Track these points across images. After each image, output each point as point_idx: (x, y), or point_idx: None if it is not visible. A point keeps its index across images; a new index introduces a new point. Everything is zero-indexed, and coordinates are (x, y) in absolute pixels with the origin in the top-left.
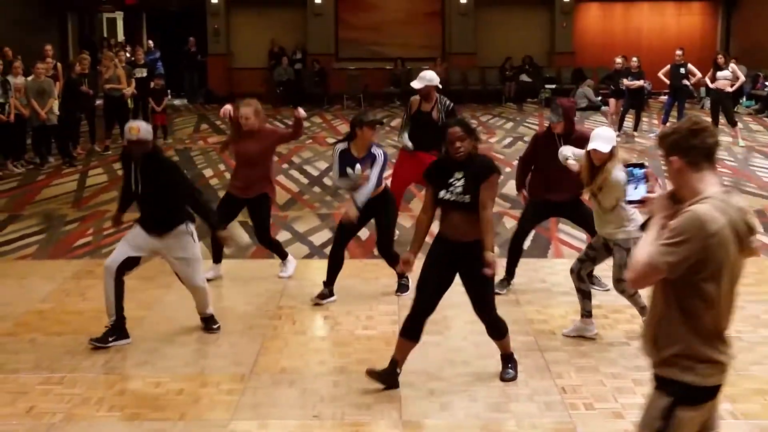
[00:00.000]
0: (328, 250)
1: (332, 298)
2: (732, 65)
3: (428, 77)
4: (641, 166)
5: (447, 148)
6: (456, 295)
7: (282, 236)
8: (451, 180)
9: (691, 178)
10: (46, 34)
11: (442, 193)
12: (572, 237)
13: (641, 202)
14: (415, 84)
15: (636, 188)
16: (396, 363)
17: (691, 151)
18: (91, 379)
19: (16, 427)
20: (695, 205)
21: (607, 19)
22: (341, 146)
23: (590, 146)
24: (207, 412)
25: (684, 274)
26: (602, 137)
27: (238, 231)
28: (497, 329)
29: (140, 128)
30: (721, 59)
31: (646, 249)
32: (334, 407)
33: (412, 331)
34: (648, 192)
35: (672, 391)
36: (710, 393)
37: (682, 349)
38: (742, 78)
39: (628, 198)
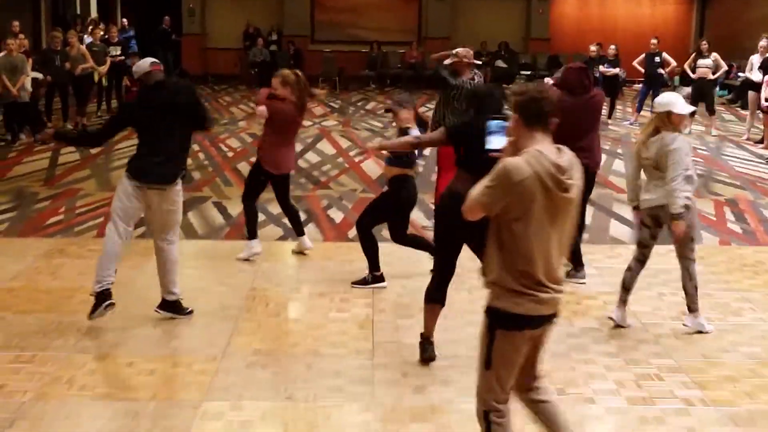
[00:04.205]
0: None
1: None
2: (714, 54)
3: None
4: (503, 118)
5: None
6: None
7: None
8: None
9: (525, 134)
10: (18, 12)
11: None
12: None
13: (500, 151)
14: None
15: (497, 138)
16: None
17: (528, 112)
18: (62, 359)
19: None
20: (510, 158)
21: (583, 7)
22: None
23: (679, 110)
24: (179, 392)
25: (499, 214)
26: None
27: (212, 213)
28: None
29: None
30: (704, 46)
31: (478, 188)
32: (306, 389)
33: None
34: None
35: (489, 314)
36: (521, 320)
37: (494, 278)
38: (725, 67)
39: (488, 147)
